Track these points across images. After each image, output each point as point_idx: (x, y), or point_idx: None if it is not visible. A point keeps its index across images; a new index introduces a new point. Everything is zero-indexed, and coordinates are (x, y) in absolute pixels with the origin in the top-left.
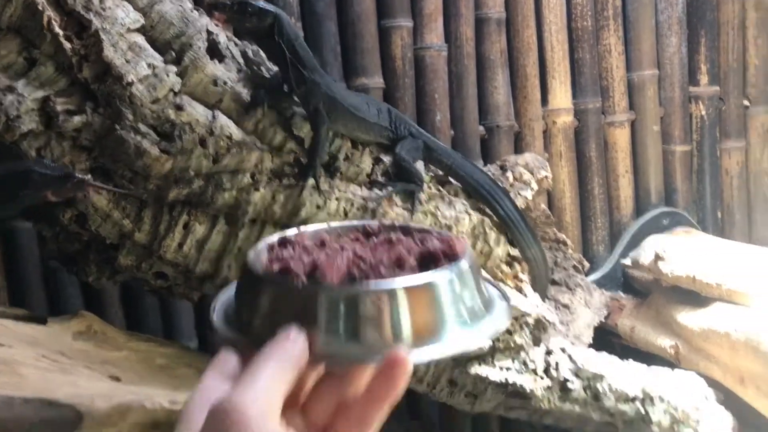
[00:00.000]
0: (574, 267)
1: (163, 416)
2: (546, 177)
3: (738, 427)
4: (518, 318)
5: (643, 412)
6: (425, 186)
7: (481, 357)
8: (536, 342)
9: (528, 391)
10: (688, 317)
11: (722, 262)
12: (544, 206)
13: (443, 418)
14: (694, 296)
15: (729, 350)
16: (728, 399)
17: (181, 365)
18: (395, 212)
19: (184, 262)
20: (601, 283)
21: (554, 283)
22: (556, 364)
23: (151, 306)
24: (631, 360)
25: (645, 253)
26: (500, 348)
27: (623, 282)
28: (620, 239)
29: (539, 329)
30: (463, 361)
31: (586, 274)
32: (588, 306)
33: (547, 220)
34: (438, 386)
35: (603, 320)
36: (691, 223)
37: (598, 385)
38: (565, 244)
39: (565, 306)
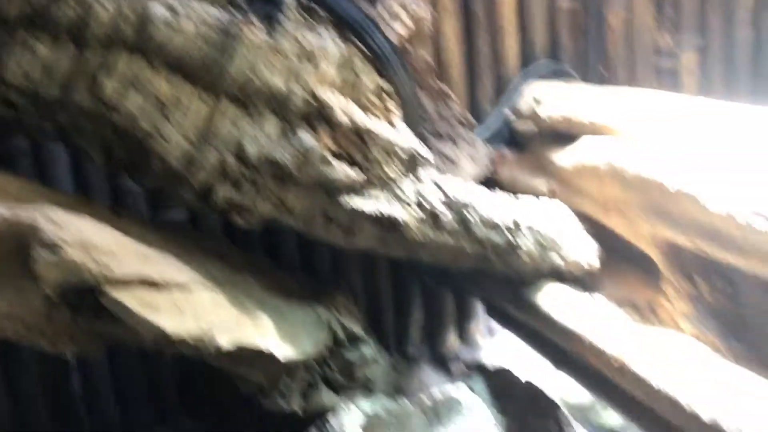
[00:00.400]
0: (459, 121)
1: (4, 228)
2: (420, 16)
3: (602, 253)
4: (390, 151)
5: (512, 240)
6: (290, 13)
7: (354, 189)
8: (409, 175)
9: (401, 222)
10: (562, 157)
11: (597, 103)
12: (424, 54)
13: (335, 268)
14: (569, 138)
15: (597, 182)
16: (596, 230)
17: (37, 198)
18: (254, 36)
19: (31, 88)
20: (486, 139)
21: (438, 135)
22: (428, 195)
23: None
24: (498, 190)
25: (525, 100)
26: (373, 181)
27: (508, 137)
28: (504, 94)
29: (412, 163)
30: (335, 193)
31: (472, 130)
32: (473, 160)
33: (428, 69)
34: (312, 221)
35: (487, 174)
36: (574, 77)
37: (469, 215)
38: (448, 95)
39: (449, 158)
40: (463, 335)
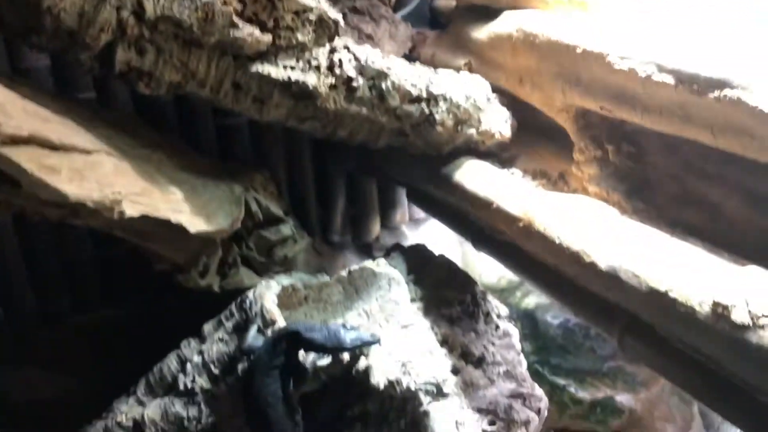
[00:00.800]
0: None
1: None
2: None
3: (517, 128)
4: (299, 14)
5: (427, 111)
6: None
7: (264, 55)
8: (319, 40)
9: (312, 89)
10: (480, 32)
11: None
12: None
13: (257, 157)
14: (489, 13)
15: (511, 53)
16: (512, 104)
17: None
18: None
19: None
20: (407, 19)
21: (356, 11)
22: (340, 61)
23: None
24: (418, 63)
25: None
26: (282, 46)
27: (430, 18)
28: None
29: (322, 27)
30: (244, 60)
31: (394, 10)
32: (393, 38)
33: None
34: (222, 90)
35: (407, 52)
36: None
37: (383, 84)
38: None
39: (369, 36)
40: (387, 224)
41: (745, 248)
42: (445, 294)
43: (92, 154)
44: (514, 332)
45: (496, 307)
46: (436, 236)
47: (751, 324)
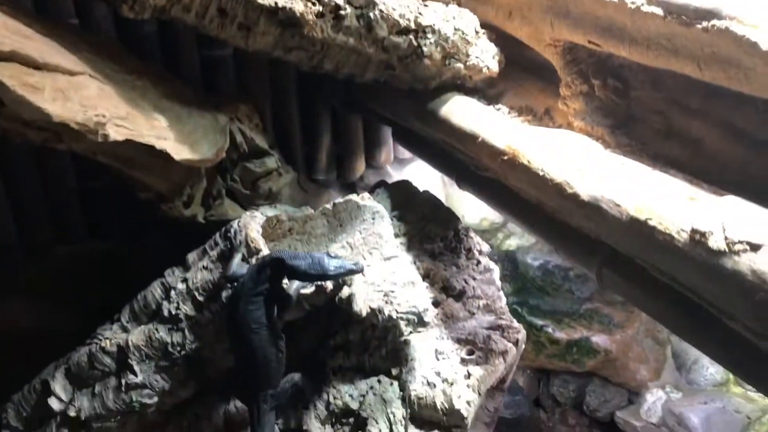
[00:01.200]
0: None
1: None
2: None
3: (505, 65)
4: None
5: (415, 44)
6: None
7: None
8: None
9: (299, 16)
10: None
11: None
12: None
13: (241, 87)
14: None
15: None
16: (500, 41)
17: None
18: None
19: None
20: None
21: None
22: None
23: None
24: None
25: None
26: None
27: None
28: None
29: None
30: None
31: None
32: None
33: None
34: (207, 16)
35: None
36: None
37: (371, 13)
38: None
39: None
40: (372, 163)
41: (725, 180)
42: (428, 229)
43: (76, 75)
44: (495, 268)
45: (478, 243)
46: (420, 177)
47: (726, 250)
